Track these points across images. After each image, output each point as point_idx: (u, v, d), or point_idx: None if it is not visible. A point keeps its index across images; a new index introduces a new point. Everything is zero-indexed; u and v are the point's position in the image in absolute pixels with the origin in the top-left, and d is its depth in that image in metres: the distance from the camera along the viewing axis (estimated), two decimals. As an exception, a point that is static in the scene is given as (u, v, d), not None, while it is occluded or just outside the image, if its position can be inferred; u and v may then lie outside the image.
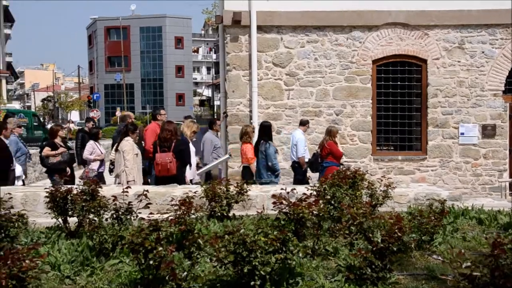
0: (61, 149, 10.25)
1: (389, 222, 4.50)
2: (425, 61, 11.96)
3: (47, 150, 10.25)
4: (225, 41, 12.05)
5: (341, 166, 9.57)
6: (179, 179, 8.70)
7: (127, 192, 5.28)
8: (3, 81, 62.29)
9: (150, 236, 3.95)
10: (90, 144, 10.68)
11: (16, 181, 9.67)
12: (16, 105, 54.38)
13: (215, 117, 21.46)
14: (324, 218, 5.00)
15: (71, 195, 5.52)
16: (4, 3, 68.23)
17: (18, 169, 9.86)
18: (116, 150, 9.49)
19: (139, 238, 3.92)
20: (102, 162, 10.76)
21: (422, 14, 11.77)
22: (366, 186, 6.77)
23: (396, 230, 4.33)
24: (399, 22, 11.84)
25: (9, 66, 72.54)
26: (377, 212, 6.51)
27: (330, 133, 10.61)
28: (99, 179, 9.92)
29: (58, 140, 10.55)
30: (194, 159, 9.62)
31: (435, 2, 11.70)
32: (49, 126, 53.26)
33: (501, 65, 11.89)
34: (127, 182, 8.70)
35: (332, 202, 6.00)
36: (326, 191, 6.17)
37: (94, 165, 10.58)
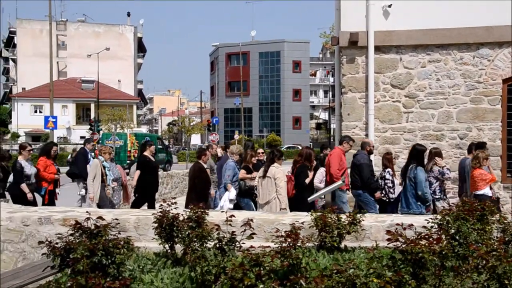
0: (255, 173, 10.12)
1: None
2: None
3: (243, 173, 10.24)
4: (341, 63, 11.70)
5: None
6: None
7: (231, 220, 5.07)
8: (134, 107, 66.88)
9: (250, 271, 3.67)
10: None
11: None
12: (143, 129, 57.90)
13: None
14: (447, 257, 4.40)
15: (177, 221, 5.43)
16: (139, 35, 73.66)
17: (232, 193, 10.11)
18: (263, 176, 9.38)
19: (239, 273, 3.66)
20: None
21: (562, 27, 10.56)
22: (497, 220, 5.99)
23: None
24: (534, 36, 10.72)
25: (139, 93, 77.87)
26: (510, 250, 5.72)
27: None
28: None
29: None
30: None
31: None
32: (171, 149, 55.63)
33: None
34: (280, 209, 8.84)
35: (457, 237, 5.34)
36: (449, 225, 5.52)
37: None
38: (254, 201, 9.98)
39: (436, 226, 5.51)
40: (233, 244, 4.92)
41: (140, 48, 75.44)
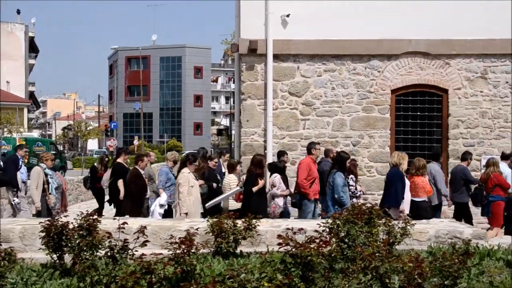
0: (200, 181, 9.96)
1: (408, 265, 4.06)
2: (446, 91, 11.56)
3: None
4: (241, 70, 11.82)
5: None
6: None
7: (123, 227, 4.92)
8: (25, 110, 63.20)
9: (141, 280, 3.57)
10: None
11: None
12: (34, 134, 54.82)
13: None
14: (336, 259, 4.57)
15: (67, 229, 5.18)
16: (30, 34, 69.84)
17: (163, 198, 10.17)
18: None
19: (130, 282, 3.55)
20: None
21: (444, 43, 11.41)
22: (383, 223, 6.31)
23: (416, 276, 3.90)
24: (420, 51, 11.50)
25: (31, 95, 73.76)
26: (394, 251, 6.05)
27: (495, 164, 9.96)
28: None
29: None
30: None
31: (457, 31, 11.33)
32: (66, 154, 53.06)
33: (526, 96, 11.41)
34: (180, 214, 8.98)
35: (346, 240, 5.56)
36: (339, 228, 5.74)
37: None
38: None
39: (327, 230, 5.71)
40: (126, 252, 4.77)
41: (32, 48, 71.44)
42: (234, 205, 9.67)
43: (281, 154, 10.58)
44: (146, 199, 10.31)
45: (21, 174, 11.90)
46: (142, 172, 10.23)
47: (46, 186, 9.80)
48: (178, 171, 9.62)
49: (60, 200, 10.32)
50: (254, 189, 9.25)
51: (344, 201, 9.09)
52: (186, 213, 9.05)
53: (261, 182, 9.42)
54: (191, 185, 9.25)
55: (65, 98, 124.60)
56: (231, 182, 9.68)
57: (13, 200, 11.32)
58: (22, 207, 11.33)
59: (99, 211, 12.32)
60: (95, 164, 13.36)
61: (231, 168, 10.02)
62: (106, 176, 11.75)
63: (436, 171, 10.19)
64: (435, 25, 11.35)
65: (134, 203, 9.84)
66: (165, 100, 73.54)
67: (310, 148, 10.15)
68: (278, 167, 9.99)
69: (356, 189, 9.99)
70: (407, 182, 8.95)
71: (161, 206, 10.07)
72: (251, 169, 9.59)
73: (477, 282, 5.42)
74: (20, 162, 12.27)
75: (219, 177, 10.71)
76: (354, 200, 9.68)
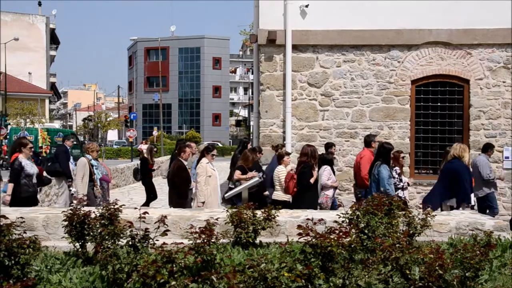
0: (250, 174, 9.74)
1: (429, 257, 4.04)
2: (467, 81, 11.41)
3: (238, 174, 9.82)
4: (260, 61, 11.80)
5: None
6: None
7: (144, 217, 4.98)
8: (46, 101, 63.97)
9: (162, 268, 3.61)
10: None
11: None
12: (56, 124, 55.46)
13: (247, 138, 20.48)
14: (356, 250, 4.57)
15: (89, 219, 5.25)
16: (51, 26, 70.48)
17: None
18: None
19: (151, 271, 3.59)
20: None
21: (465, 32, 11.25)
22: (403, 214, 6.28)
23: (437, 267, 3.88)
24: (440, 41, 11.35)
25: (52, 86, 74.58)
26: (414, 243, 6.02)
27: None
28: None
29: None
30: None
31: (478, 20, 11.16)
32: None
33: (550, 86, 11.21)
34: (197, 204, 9.09)
35: (366, 231, 5.55)
36: (359, 219, 5.73)
37: None
38: (259, 200, 9.49)
39: (347, 221, 5.70)
40: (147, 242, 4.83)
41: (53, 39, 72.13)
42: (282, 196, 9.51)
43: (329, 146, 10.50)
44: (190, 190, 10.01)
45: (71, 164, 12.12)
46: (185, 163, 10.00)
47: (93, 176, 9.76)
48: (197, 162, 9.64)
49: (107, 190, 10.37)
50: (312, 180, 9.21)
51: (390, 194, 8.89)
52: (203, 202, 9.11)
53: (315, 173, 9.35)
54: (209, 175, 9.28)
55: (85, 89, 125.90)
56: (280, 174, 9.60)
57: (70, 190, 11.50)
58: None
59: (147, 203, 12.47)
60: (145, 155, 13.43)
61: (280, 159, 9.84)
62: (165, 165, 11.58)
63: (481, 162, 10.16)
64: (456, 15, 11.19)
65: (178, 195, 9.61)
66: (184, 91, 73.82)
67: (370, 141, 9.94)
68: (327, 159, 9.93)
69: (400, 181, 9.83)
70: None
71: None
72: (303, 160, 9.42)
73: (499, 275, 5.37)
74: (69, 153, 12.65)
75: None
76: (400, 192, 9.57)
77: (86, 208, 5.62)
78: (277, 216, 6.39)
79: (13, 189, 8.77)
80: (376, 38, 11.45)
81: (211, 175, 9.34)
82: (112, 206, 5.33)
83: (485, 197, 10.26)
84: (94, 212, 5.40)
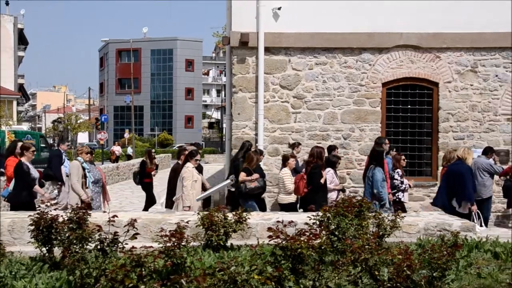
0: (255, 175, 9.61)
1: (397, 258, 4.09)
2: (436, 84, 11.60)
3: (243, 176, 9.63)
4: (232, 63, 11.78)
5: None
6: None
7: (113, 220, 4.91)
8: (14, 103, 62.67)
9: (131, 272, 3.56)
10: None
11: None
12: (24, 127, 54.38)
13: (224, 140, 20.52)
14: (326, 252, 4.59)
15: (57, 223, 5.16)
16: (19, 26, 69.17)
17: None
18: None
19: (120, 275, 3.54)
20: None
21: (434, 36, 11.44)
22: (373, 216, 6.35)
23: (405, 268, 3.92)
24: (410, 44, 11.51)
25: (20, 88, 73.12)
26: (384, 244, 6.09)
27: None
28: None
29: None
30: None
31: (447, 25, 11.37)
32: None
33: (516, 89, 11.48)
34: (183, 208, 8.95)
35: (336, 233, 5.59)
36: (330, 221, 5.76)
37: None
38: (260, 202, 9.62)
39: (318, 223, 5.73)
40: (116, 245, 4.76)
41: (21, 40, 70.76)
42: (286, 199, 9.44)
43: (332, 148, 10.53)
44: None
45: (65, 168, 11.86)
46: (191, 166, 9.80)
47: (83, 180, 9.56)
48: (182, 165, 9.52)
49: (101, 194, 9.97)
50: (322, 180, 9.26)
51: (382, 196, 8.99)
52: (189, 207, 9.02)
53: (324, 174, 9.36)
54: (195, 179, 9.22)
55: (55, 90, 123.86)
56: (284, 176, 9.51)
57: (50, 192, 11.31)
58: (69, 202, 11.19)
59: (147, 206, 12.32)
60: (144, 159, 13.24)
61: (285, 161, 9.79)
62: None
63: (482, 163, 10.37)
64: (425, 19, 11.38)
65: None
66: (156, 93, 73.27)
67: (381, 143, 9.94)
68: (331, 162, 9.93)
69: (402, 183, 9.92)
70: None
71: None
72: (312, 161, 9.43)
73: (465, 274, 5.48)
74: (63, 157, 12.45)
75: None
76: (401, 194, 9.67)
77: (54, 212, 5.52)
78: (248, 218, 6.38)
79: (17, 193, 8.65)
80: (347, 41, 11.55)
81: (197, 179, 9.29)
82: (80, 210, 5.24)
83: (483, 200, 10.45)
84: (62, 216, 5.30)
